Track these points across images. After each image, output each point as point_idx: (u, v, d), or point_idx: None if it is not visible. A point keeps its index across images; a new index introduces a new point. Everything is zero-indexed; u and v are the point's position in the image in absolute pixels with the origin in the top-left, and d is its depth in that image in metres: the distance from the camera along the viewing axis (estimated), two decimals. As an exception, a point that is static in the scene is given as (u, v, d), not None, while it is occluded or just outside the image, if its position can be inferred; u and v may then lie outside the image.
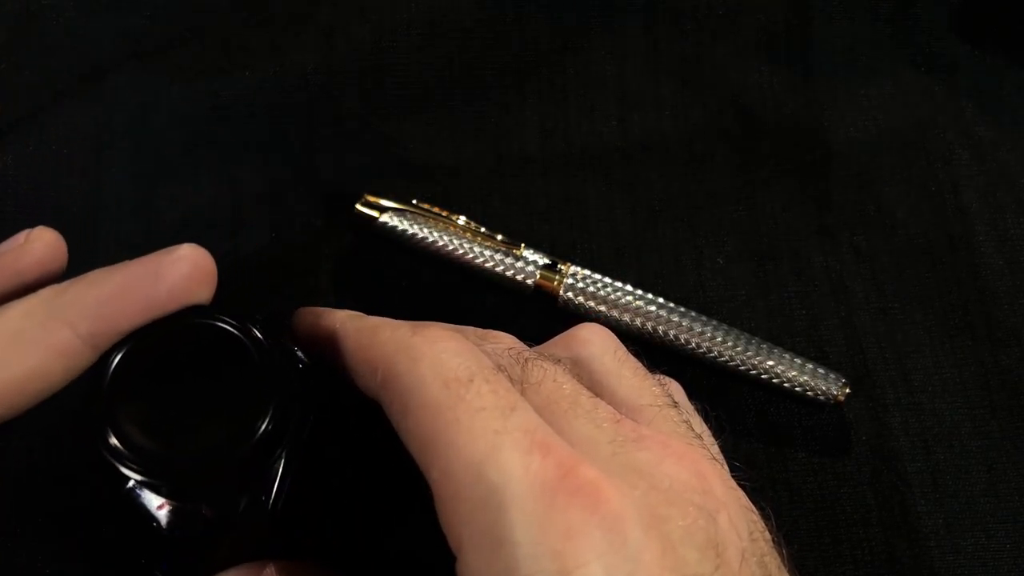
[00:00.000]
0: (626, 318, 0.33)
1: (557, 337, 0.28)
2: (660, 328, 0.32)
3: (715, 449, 0.25)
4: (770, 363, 0.32)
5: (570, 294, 0.33)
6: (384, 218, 0.34)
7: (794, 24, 0.39)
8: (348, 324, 0.25)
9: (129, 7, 0.37)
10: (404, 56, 0.38)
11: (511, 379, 0.23)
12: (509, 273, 0.33)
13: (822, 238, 0.36)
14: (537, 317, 0.33)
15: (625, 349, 0.27)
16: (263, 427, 0.22)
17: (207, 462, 0.22)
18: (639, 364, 0.27)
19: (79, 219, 0.34)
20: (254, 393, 0.22)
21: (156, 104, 0.36)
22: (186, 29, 0.37)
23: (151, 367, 0.22)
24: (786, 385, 0.32)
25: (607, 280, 0.33)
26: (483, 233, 0.34)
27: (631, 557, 0.19)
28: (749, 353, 0.32)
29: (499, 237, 0.34)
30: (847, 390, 0.32)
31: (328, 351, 0.26)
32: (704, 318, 0.33)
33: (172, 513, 0.23)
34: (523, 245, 0.34)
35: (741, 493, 0.23)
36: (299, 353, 0.26)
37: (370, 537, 0.27)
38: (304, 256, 0.34)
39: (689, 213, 0.36)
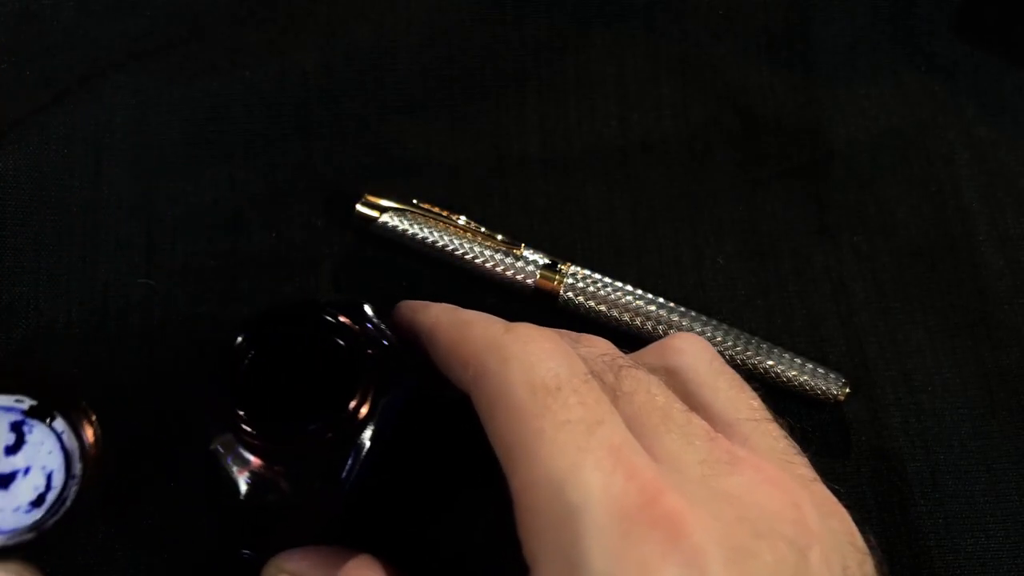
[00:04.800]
0: (626, 318, 0.33)
1: (650, 345, 0.27)
2: (660, 328, 0.32)
3: (810, 469, 0.24)
4: (770, 363, 0.32)
5: (570, 294, 0.33)
6: (384, 218, 0.34)
7: (794, 24, 0.39)
8: (443, 317, 0.25)
9: (129, 7, 0.37)
10: (404, 56, 0.37)
11: (603, 386, 0.22)
12: (509, 273, 0.33)
13: (822, 238, 0.36)
14: (537, 317, 0.33)
15: (721, 359, 0.26)
16: (349, 410, 0.24)
17: (293, 427, 0.24)
18: (735, 375, 0.26)
19: (79, 219, 0.34)
20: (348, 379, 0.24)
21: (156, 104, 0.36)
22: (186, 29, 0.37)
23: (273, 344, 0.26)
24: (786, 384, 0.32)
25: (607, 280, 0.33)
26: (483, 233, 0.34)
27: None
28: (749, 353, 0.32)
29: (499, 237, 0.34)
30: (847, 390, 0.32)
31: (425, 345, 0.25)
32: (704, 318, 0.33)
33: (251, 479, 0.24)
34: (523, 245, 0.34)
35: (840, 518, 0.22)
36: (398, 346, 0.27)
37: (445, 537, 0.27)
38: (304, 256, 0.34)
39: (689, 213, 0.36)
